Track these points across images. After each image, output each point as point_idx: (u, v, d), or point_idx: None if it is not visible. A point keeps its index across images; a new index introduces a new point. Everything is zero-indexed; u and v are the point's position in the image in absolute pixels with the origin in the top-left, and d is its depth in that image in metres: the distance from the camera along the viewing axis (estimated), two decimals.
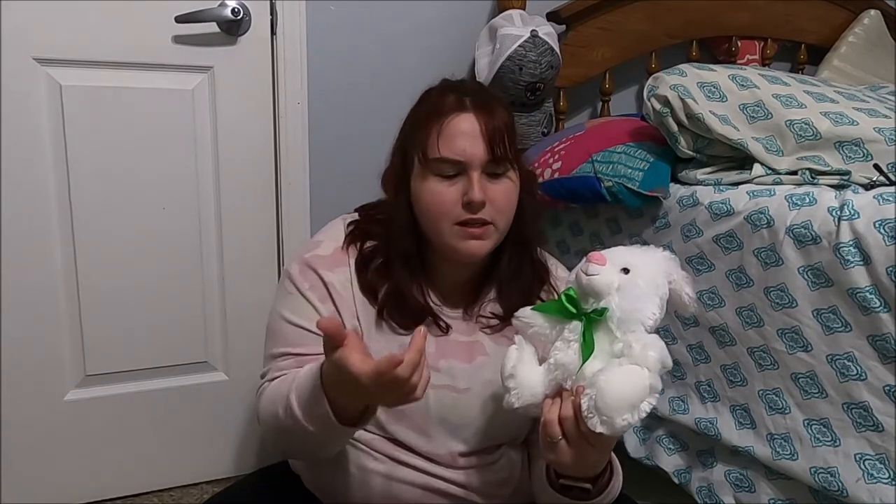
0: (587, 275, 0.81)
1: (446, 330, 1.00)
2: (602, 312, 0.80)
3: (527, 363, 0.84)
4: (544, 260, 1.08)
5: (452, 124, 0.93)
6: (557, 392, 0.82)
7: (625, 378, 0.76)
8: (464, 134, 0.92)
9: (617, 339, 0.80)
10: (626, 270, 0.82)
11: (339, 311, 0.97)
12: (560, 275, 1.08)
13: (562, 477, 0.88)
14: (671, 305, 0.85)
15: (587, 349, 0.80)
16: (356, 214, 1.05)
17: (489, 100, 0.96)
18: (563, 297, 0.84)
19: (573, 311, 0.83)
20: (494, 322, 1.02)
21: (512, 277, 1.02)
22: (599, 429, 0.74)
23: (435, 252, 0.99)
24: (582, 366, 0.79)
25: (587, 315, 0.81)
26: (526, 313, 0.88)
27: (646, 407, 0.75)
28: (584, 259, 0.83)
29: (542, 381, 0.83)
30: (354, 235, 1.00)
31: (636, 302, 0.81)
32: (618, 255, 0.84)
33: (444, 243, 0.95)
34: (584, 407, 0.76)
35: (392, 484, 0.98)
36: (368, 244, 1.00)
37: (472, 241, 0.93)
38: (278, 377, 0.93)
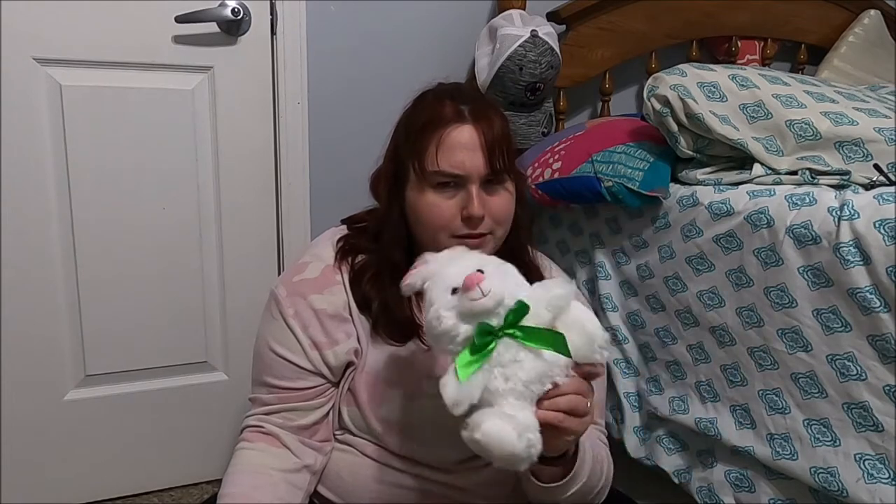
0: (482, 296, 0.72)
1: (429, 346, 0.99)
2: (523, 309, 0.74)
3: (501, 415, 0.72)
4: (538, 262, 1.07)
5: (452, 136, 0.91)
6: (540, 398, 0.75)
7: (587, 316, 0.77)
8: (463, 147, 0.90)
9: (546, 312, 0.75)
10: (481, 271, 0.74)
11: (331, 334, 0.95)
12: (555, 276, 1.07)
13: None
14: None
15: (544, 340, 0.73)
16: (345, 227, 1.03)
17: (487, 109, 0.94)
18: (475, 338, 0.73)
19: (489, 338, 0.73)
20: None
21: None
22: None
23: None
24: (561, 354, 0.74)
25: (509, 326, 0.74)
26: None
27: None
28: (460, 292, 0.74)
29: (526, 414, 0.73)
30: (345, 251, 0.99)
31: (511, 278, 0.77)
32: (471, 264, 0.77)
33: None
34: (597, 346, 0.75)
35: (387, 488, 0.98)
36: (360, 258, 0.98)
37: None
38: (261, 433, 0.95)
